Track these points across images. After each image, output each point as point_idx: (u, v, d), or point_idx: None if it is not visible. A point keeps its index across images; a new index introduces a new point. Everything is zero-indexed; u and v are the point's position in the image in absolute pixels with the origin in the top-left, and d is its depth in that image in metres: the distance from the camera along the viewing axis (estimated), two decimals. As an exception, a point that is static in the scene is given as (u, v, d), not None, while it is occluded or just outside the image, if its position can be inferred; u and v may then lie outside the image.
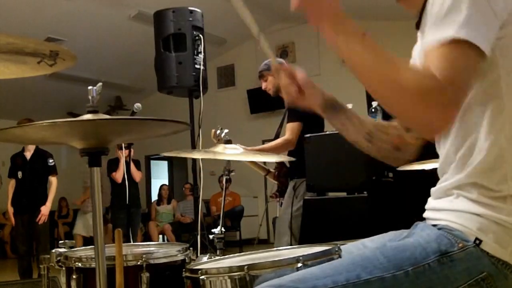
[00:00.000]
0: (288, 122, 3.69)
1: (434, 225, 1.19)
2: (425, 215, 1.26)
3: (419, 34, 1.30)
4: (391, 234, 1.40)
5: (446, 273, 1.10)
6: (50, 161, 5.77)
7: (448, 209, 1.18)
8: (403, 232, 1.34)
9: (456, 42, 1.05)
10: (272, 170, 3.82)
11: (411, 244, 1.16)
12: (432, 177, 1.32)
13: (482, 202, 1.13)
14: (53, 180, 5.77)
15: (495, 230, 1.10)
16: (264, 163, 3.84)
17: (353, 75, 1.13)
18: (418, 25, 1.27)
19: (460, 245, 1.11)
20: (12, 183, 5.74)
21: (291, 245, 3.47)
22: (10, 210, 5.66)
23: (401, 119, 1.24)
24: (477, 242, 1.10)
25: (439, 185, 1.24)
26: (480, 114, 1.14)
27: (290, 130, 3.65)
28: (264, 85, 3.90)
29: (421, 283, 1.10)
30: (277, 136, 3.98)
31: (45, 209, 5.57)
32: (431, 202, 1.26)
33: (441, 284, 1.10)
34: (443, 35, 1.07)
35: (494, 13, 1.09)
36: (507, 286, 1.10)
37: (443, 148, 1.25)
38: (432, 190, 1.26)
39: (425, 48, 1.11)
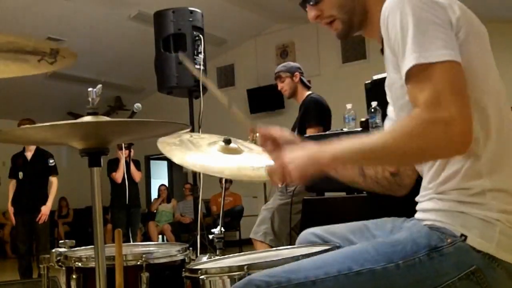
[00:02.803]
0: (309, 126, 3.73)
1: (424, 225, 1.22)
2: (416, 216, 1.29)
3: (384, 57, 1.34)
4: (391, 219, 1.46)
5: (436, 267, 1.12)
6: (51, 161, 5.77)
7: (433, 209, 1.20)
8: (405, 220, 1.40)
9: (423, 68, 1.08)
10: None
11: (402, 239, 1.18)
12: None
13: (463, 201, 1.15)
14: (53, 180, 5.77)
15: (478, 225, 1.13)
16: None
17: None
18: (382, 51, 1.32)
19: (449, 240, 1.13)
20: (13, 183, 5.74)
21: (268, 236, 3.52)
22: (10, 209, 5.66)
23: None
24: (462, 238, 1.13)
25: (422, 192, 1.27)
26: None
27: None
28: (280, 86, 3.97)
29: (411, 276, 1.12)
30: None
31: (45, 209, 5.57)
32: (419, 205, 1.29)
33: (430, 278, 1.12)
34: (407, 66, 1.10)
35: (441, 24, 1.12)
36: (496, 279, 1.11)
37: None
38: (417, 198, 1.30)
39: (403, 82, 1.14)
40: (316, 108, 3.82)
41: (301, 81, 3.95)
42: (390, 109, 1.48)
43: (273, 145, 1.40)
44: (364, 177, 1.49)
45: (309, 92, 3.96)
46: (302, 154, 1.21)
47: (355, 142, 1.16)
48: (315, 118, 3.77)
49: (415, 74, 1.10)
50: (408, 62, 1.10)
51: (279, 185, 3.73)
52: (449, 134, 1.04)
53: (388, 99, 1.45)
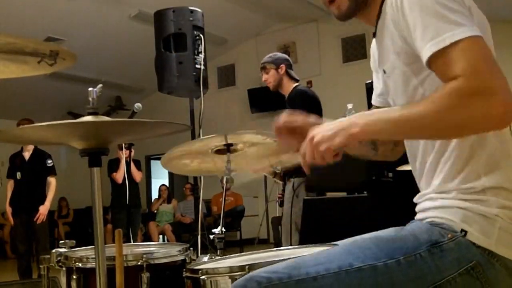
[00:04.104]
0: None
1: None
2: (416, 217, 1.29)
3: (376, 41, 1.33)
4: (390, 230, 1.41)
5: (437, 263, 1.12)
6: (49, 161, 5.75)
7: (433, 207, 1.21)
8: (402, 228, 1.36)
9: (450, 49, 1.05)
10: (277, 171, 3.79)
11: (403, 236, 1.19)
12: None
13: (463, 199, 1.15)
14: (52, 180, 5.75)
15: (478, 221, 1.13)
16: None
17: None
18: (375, 35, 1.31)
19: (449, 235, 1.13)
20: (11, 183, 5.72)
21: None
22: (8, 210, 5.65)
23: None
24: (463, 233, 1.13)
25: (420, 194, 1.27)
26: None
27: None
28: (264, 77, 3.84)
29: (412, 272, 1.12)
30: None
31: (43, 209, 5.56)
32: (418, 206, 1.29)
33: (431, 273, 1.12)
34: (432, 50, 1.06)
35: (460, 2, 1.10)
36: (496, 275, 1.12)
37: (415, 154, 1.28)
38: (415, 199, 1.29)
39: (426, 58, 1.09)
40: (302, 99, 3.68)
41: (287, 73, 3.80)
42: (373, 97, 1.52)
43: (294, 137, 1.33)
44: (376, 150, 1.48)
45: (296, 84, 3.81)
46: (331, 125, 1.15)
47: (390, 112, 1.12)
48: (303, 110, 3.67)
49: (444, 55, 1.06)
50: (432, 46, 1.06)
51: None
52: (490, 105, 1.00)
53: (378, 84, 1.48)
